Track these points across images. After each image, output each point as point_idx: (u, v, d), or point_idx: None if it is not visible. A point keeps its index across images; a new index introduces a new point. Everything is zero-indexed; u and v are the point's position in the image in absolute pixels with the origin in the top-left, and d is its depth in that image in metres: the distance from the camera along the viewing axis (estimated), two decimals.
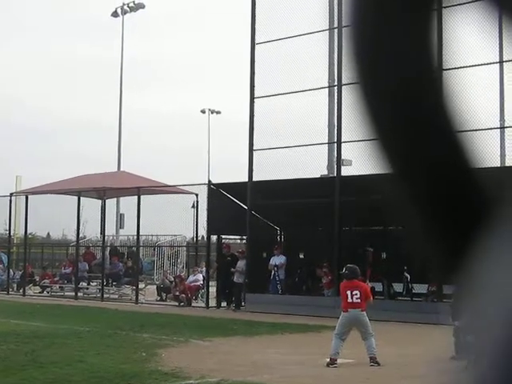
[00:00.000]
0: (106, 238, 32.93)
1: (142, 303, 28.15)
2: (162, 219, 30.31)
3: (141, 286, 30.16)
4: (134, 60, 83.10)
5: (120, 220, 37.18)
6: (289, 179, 23.52)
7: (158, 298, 29.72)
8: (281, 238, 28.84)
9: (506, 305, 0.73)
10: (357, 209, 21.69)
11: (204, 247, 29.48)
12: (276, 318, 20.78)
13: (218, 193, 26.79)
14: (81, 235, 33.86)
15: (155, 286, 31.23)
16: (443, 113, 0.78)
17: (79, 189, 31.83)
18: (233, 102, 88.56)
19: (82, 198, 31.95)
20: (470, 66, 16.89)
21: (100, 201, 33.29)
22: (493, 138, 19.87)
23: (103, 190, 32.41)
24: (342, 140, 23.15)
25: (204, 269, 28.96)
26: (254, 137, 25.29)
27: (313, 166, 24.16)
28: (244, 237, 27.58)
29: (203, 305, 26.86)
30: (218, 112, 66.76)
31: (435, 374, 9.35)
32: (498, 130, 21.18)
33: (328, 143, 24.76)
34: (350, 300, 12.93)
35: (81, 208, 31.63)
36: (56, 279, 34.28)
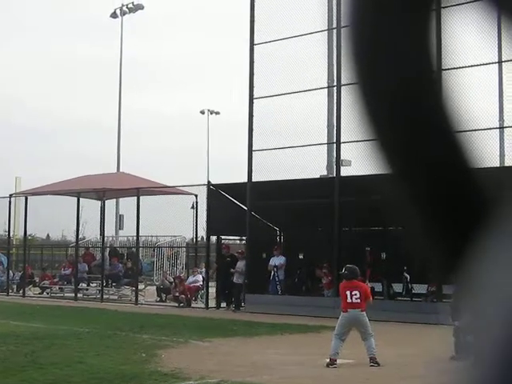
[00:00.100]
0: (105, 238, 32.90)
1: (142, 304, 28.14)
2: (161, 220, 30.32)
3: (140, 286, 30.15)
4: (134, 60, 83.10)
5: (119, 221, 37.16)
6: (288, 180, 23.52)
7: (158, 299, 29.70)
8: (280, 238, 28.83)
9: (505, 305, 0.73)
10: (356, 209, 21.69)
11: (203, 248, 29.47)
12: (276, 319, 20.77)
13: (217, 193, 26.79)
14: (80, 236, 33.87)
15: (155, 287, 31.22)
16: (442, 113, 0.78)
17: (79, 190, 31.82)
18: (232, 102, 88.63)
19: (81, 198, 31.96)
20: (468, 67, 16.89)
21: (99, 202, 33.28)
22: (492, 138, 19.88)
23: (103, 190, 32.38)
24: (342, 140, 23.15)
25: (204, 269, 28.96)
26: (254, 137, 25.30)
27: (312, 166, 24.17)
28: (243, 237, 27.58)
29: (203, 305, 26.85)
30: (217, 113, 66.89)
31: (435, 375, 9.35)
32: (497, 130, 21.19)
33: (327, 143, 24.77)
34: (349, 300, 12.93)
35: (80, 209, 31.65)
36: (56, 280, 34.25)
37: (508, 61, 15.76)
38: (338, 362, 12.81)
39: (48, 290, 33.67)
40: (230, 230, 27.82)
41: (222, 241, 28.16)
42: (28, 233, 36.01)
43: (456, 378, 0.87)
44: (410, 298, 24.02)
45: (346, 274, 13.42)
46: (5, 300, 29.50)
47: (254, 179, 25.20)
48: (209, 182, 27.62)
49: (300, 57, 23.29)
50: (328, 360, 12.80)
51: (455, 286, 0.79)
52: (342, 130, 23.04)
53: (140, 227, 29.30)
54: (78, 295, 31.15)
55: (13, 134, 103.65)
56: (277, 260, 25.56)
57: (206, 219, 27.25)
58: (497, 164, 18.22)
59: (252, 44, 25.58)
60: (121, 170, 43.05)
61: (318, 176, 25.02)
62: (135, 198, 29.33)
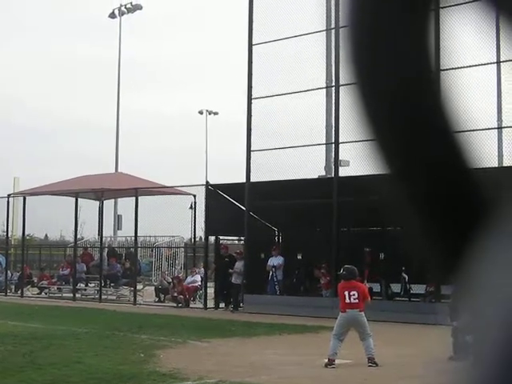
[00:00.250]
0: (103, 239, 32.92)
1: (140, 304, 28.13)
2: (159, 220, 30.32)
3: (139, 287, 30.14)
4: (133, 61, 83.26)
5: (118, 221, 37.18)
6: (286, 180, 23.53)
7: (156, 299, 29.69)
8: (279, 238, 28.84)
9: (504, 305, 0.73)
10: (355, 209, 21.70)
11: (202, 248, 29.46)
12: (274, 319, 20.78)
13: (215, 194, 26.79)
14: (79, 236, 33.86)
15: (153, 287, 31.23)
16: (441, 113, 0.78)
17: (77, 190, 31.79)
18: (231, 102, 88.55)
19: (79, 199, 31.93)
20: (467, 67, 16.90)
21: (98, 202, 33.29)
22: (490, 138, 19.90)
23: (101, 191, 32.35)
24: (340, 141, 23.16)
25: (202, 270, 28.95)
26: (252, 138, 25.30)
27: (310, 166, 24.17)
28: (242, 238, 27.58)
29: (201, 306, 26.85)
30: (216, 113, 66.88)
31: (433, 375, 9.35)
32: (496, 130, 21.20)
33: (326, 144, 24.78)
34: (347, 300, 12.94)
35: (78, 209, 31.62)
36: (54, 280, 34.25)
37: (506, 61, 15.77)
38: (337, 362, 12.81)
39: (46, 290, 33.65)
40: (228, 230, 27.81)
41: (221, 241, 28.15)
42: (26, 233, 36.00)
43: (454, 378, 0.87)
44: (408, 299, 24.02)
45: (345, 275, 13.43)
46: (3, 300, 29.48)
47: (252, 179, 25.20)
48: (207, 182, 27.61)
49: (298, 57, 23.30)
50: (326, 360, 12.81)
51: (454, 287, 0.79)
52: (340, 130, 23.05)
53: (138, 227, 29.31)
54: (77, 295, 31.14)
55: (13, 133, 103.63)
56: (275, 260, 25.57)
57: (204, 219, 27.25)
58: (495, 164, 18.22)
59: (250, 44, 25.58)
60: (119, 170, 43.04)
61: (316, 176, 25.03)
62: (133, 198, 29.31)
